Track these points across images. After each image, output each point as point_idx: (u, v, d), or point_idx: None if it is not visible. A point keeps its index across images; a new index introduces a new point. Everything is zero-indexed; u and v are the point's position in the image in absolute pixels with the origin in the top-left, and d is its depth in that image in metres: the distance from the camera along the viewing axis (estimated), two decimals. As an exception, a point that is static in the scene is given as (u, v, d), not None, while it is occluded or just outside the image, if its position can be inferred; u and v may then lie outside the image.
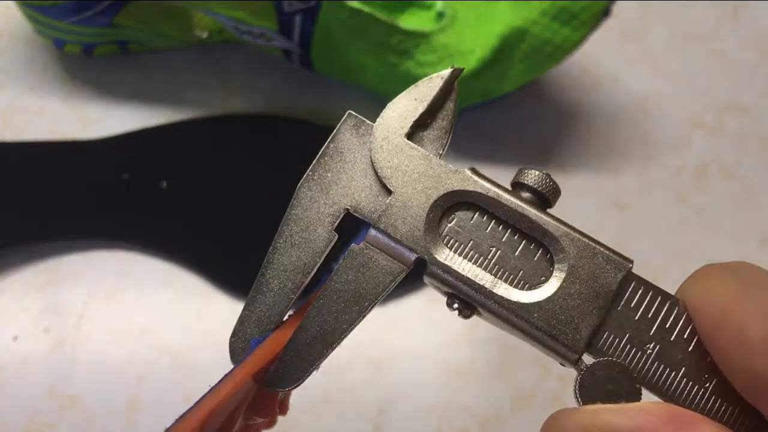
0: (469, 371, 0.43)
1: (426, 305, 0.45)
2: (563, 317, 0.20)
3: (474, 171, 0.22)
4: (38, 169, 0.46)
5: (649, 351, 0.20)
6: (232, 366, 0.22)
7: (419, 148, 0.22)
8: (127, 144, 0.47)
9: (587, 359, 0.20)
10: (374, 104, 0.50)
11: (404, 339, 0.44)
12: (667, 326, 0.20)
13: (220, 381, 0.20)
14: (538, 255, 0.21)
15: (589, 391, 0.20)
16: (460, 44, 0.45)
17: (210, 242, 0.46)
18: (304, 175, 0.22)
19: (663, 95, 0.52)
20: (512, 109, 0.50)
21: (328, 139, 0.22)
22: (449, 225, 0.21)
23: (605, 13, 0.44)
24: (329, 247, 0.22)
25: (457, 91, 0.23)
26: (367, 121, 0.22)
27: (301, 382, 0.21)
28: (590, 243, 0.21)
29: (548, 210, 0.22)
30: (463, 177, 0.21)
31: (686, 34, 0.55)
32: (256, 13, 0.44)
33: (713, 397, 0.20)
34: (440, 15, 0.46)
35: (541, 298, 0.20)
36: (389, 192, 0.21)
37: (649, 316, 0.20)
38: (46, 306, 0.44)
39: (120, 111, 0.49)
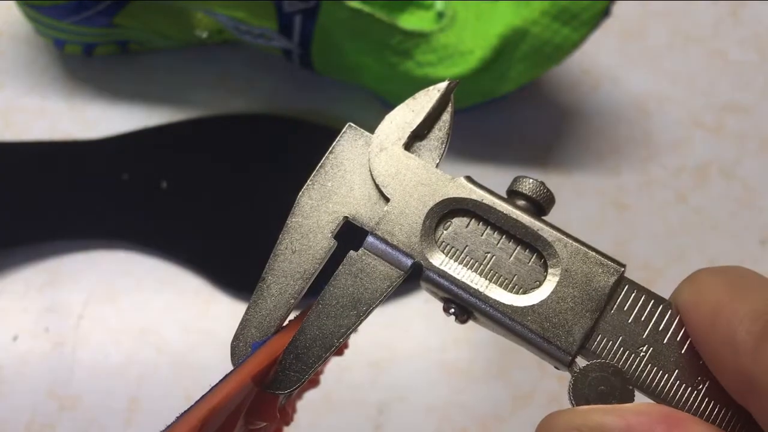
0: (469, 371, 0.43)
1: (426, 305, 0.45)
2: (557, 320, 0.21)
3: (469, 179, 0.22)
4: (38, 169, 0.46)
5: (642, 353, 0.20)
6: (232, 366, 0.22)
7: (416, 157, 0.22)
8: (127, 144, 0.47)
9: (581, 362, 0.21)
10: (374, 104, 0.50)
11: (404, 339, 0.44)
12: (660, 329, 0.21)
13: (219, 382, 0.20)
14: (532, 260, 0.22)
15: (582, 392, 0.20)
16: (460, 44, 0.45)
17: (210, 242, 0.46)
18: (305, 185, 0.23)
19: (663, 95, 0.52)
20: (512, 109, 0.50)
21: (329, 150, 0.23)
22: (445, 231, 0.22)
23: (605, 13, 0.44)
24: (329, 254, 0.22)
25: (453, 102, 0.24)
26: (366, 133, 0.23)
27: (300, 385, 0.21)
28: (583, 248, 0.21)
29: (543, 217, 0.22)
30: (458, 185, 0.22)
31: (686, 34, 0.55)
32: (256, 13, 0.44)
33: (705, 399, 0.20)
34: (440, 15, 0.46)
35: (535, 302, 0.21)
36: (387, 200, 0.22)
37: (642, 319, 0.21)
38: (46, 306, 0.44)
39: (120, 111, 0.49)
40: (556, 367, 0.22)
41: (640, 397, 0.20)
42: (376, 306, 0.22)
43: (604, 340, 0.21)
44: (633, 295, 0.21)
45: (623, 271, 0.21)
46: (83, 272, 0.45)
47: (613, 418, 0.18)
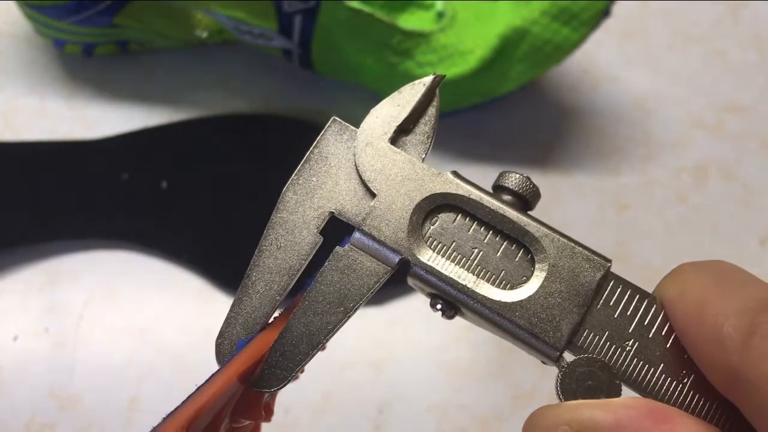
0: (469, 371, 0.43)
1: (426, 305, 0.45)
2: (544, 315, 0.21)
3: (456, 174, 0.22)
4: (38, 169, 0.46)
5: (628, 348, 0.20)
6: (217, 365, 0.22)
7: (402, 152, 0.22)
8: (127, 144, 0.47)
9: (568, 357, 0.21)
10: (374, 104, 0.50)
11: (404, 339, 0.44)
12: (645, 323, 0.21)
13: (206, 381, 0.20)
14: (519, 255, 0.21)
15: (570, 387, 0.20)
16: (460, 44, 0.45)
17: (210, 242, 0.46)
18: (290, 180, 0.22)
19: (663, 95, 0.52)
20: (512, 109, 0.50)
21: (313, 145, 0.23)
22: (432, 227, 0.22)
23: (605, 13, 0.44)
24: (314, 250, 0.22)
25: (439, 97, 0.23)
26: (351, 127, 0.23)
27: (287, 383, 0.21)
28: (570, 243, 0.21)
29: (529, 212, 0.22)
30: (445, 180, 0.22)
31: (686, 34, 0.55)
32: (256, 13, 0.44)
33: (691, 393, 0.20)
34: (440, 15, 0.46)
35: (522, 297, 0.21)
36: (373, 195, 0.22)
37: (628, 313, 0.21)
38: (46, 306, 0.44)
39: (120, 111, 0.49)
40: (543, 362, 0.22)
41: (626, 392, 0.20)
42: (363, 302, 0.21)
43: (591, 335, 0.21)
44: (619, 289, 0.21)
45: (609, 266, 0.21)
46: (83, 272, 0.45)
47: (602, 412, 0.18)
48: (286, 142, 0.48)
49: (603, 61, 0.53)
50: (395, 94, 0.23)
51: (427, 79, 0.23)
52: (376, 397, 0.42)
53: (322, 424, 0.42)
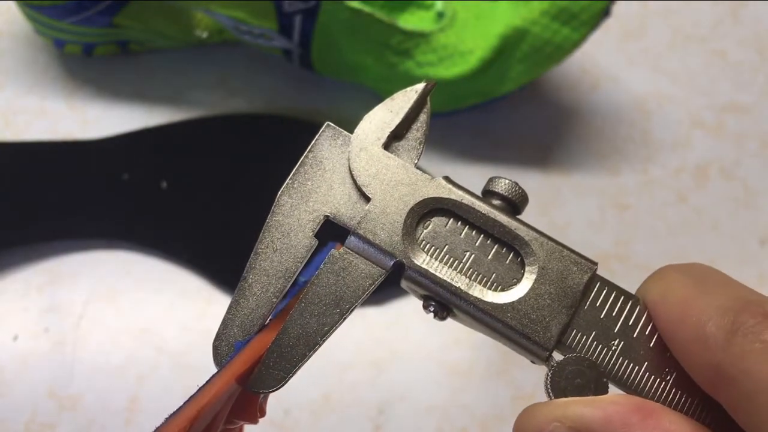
0: (469, 371, 0.43)
1: (426, 305, 0.45)
2: (534, 316, 0.21)
3: (447, 179, 0.23)
4: (38, 169, 0.46)
5: (614, 347, 0.21)
6: (215, 367, 0.22)
7: (396, 157, 0.23)
8: (127, 144, 0.47)
9: (556, 356, 0.22)
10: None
11: (404, 339, 0.44)
12: (630, 324, 0.21)
13: (206, 383, 0.21)
14: (509, 258, 0.22)
15: (560, 385, 0.21)
16: (460, 44, 0.45)
17: (210, 242, 0.46)
18: (284, 184, 0.23)
19: (663, 95, 0.52)
20: (512, 109, 0.50)
21: (307, 149, 0.23)
22: (425, 231, 0.22)
23: (605, 13, 0.44)
24: (309, 253, 0.22)
25: (430, 104, 0.24)
26: (345, 132, 0.23)
27: (284, 384, 0.22)
28: (558, 246, 0.22)
29: (518, 216, 0.23)
30: (437, 185, 0.22)
31: (686, 34, 0.55)
32: (256, 13, 0.44)
33: (674, 390, 0.21)
34: (440, 15, 0.46)
35: (513, 299, 0.22)
36: (367, 199, 0.22)
37: (613, 314, 0.22)
38: (46, 306, 0.44)
39: (120, 111, 0.49)
40: (532, 362, 0.22)
41: (612, 389, 0.21)
42: (359, 304, 0.22)
43: (579, 335, 0.21)
44: (605, 291, 0.22)
45: (596, 269, 0.22)
46: (83, 272, 0.45)
47: (592, 409, 0.19)
48: (286, 142, 0.48)
49: (603, 61, 0.53)
50: (388, 101, 0.23)
51: (419, 86, 0.23)
52: (376, 397, 0.42)
53: (322, 424, 0.42)
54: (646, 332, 0.21)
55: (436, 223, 0.22)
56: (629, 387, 0.21)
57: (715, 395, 0.19)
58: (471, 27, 0.45)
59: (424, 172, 0.23)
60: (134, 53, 0.51)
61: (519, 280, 0.22)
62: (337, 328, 0.22)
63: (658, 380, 0.21)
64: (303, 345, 0.22)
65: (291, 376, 0.22)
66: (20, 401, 0.41)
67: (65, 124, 0.49)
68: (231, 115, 0.49)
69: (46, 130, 0.48)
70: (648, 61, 0.54)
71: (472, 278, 0.22)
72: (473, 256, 0.22)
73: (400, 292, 0.45)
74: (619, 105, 0.52)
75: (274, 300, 0.22)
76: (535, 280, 0.22)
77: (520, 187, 0.23)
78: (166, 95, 0.50)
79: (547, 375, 0.21)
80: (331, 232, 0.23)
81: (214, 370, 0.25)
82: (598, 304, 0.22)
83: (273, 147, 0.48)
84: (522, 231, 0.22)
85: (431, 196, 0.22)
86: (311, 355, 0.22)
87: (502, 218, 0.22)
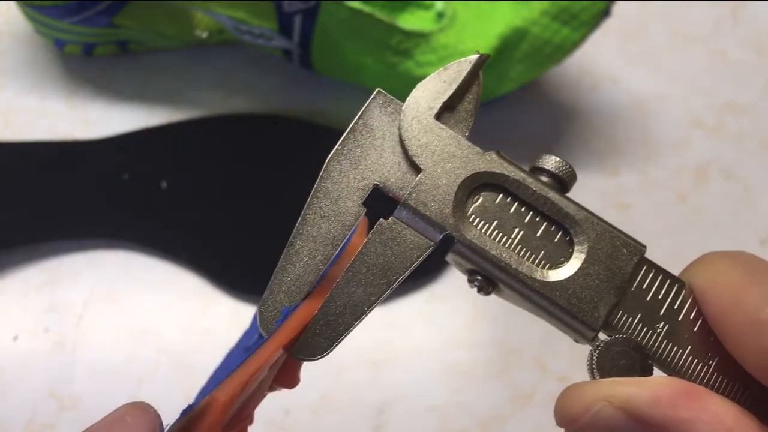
0: (469, 371, 0.43)
1: (426, 305, 0.45)
2: (583, 296, 0.21)
3: (499, 154, 0.23)
4: (38, 169, 0.46)
5: (659, 330, 0.21)
6: (262, 333, 0.22)
7: (447, 128, 0.22)
8: (127, 144, 0.47)
9: (601, 336, 0.22)
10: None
11: (404, 339, 0.44)
12: (675, 307, 0.22)
13: (256, 349, 0.21)
14: (558, 236, 0.22)
15: (606, 365, 0.21)
16: (459, 44, 0.45)
17: (210, 242, 0.46)
18: (334, 149, 0.22)
19: (663, 95, 0.52)
20: (512, 109, 0.50)
21: (357, 115, 0.23)
22: (475, 204, 0.22)
23: (605, 13, 0.44)
24: (358, 221, 0.22)
25: (481, 76, 0.23)
26: (396, 100, 0.23)
27: (330, 352, 0.22)
28: (608, 227, 0.22)
29: (566, 194, 0.23)
30: (489, 159, 0.22)
31: (686, 34, 0.55)
32: (256, 13, 0.44)
33: (716, 374, 0.21)
34: (440, 15, 0.46)
35: (562, 278, 0.22)
36: (418, 170, 0.22)
37: (660, 297, 0.22)
38: (46, 306, 0.44)
39: (120, 111, 0.49)
40: (575, 340, 0.22)
41: (656, 371, 0.21)
42: (406, 275, 0.22)
43: (625, 316, 0.22)
44: (651, 274, 0.22)
45: (644, 251, 0.22)
46: (83, 272, 0.45)
47: (640, 389, 0.20)
48: (286, 142, 0.48)
49: (603, 61, 0.53)
50: (441, 70, 0.23)
51: (473, 57, 0.23)
52: (376, 398, 0.42)
53: (322, 424, 0.42)
54: (691, 316, 0.22)
55: (485, 197, 0.22)
56: (673, 369, 0.21)
57: (765, 379, 0.20)
58: (471, 27, 0.45)
59: (475, 145, 0.22)
60: (134, 53, 0.51)
61: (567, 259, 0.22)
62: (383, 298, 0.22)
63: (701, 364, 0.21)
64: (349, 314, 0.22)
65: (337, 345, 0.22)
66: (20, 401, 0.41)
67: (65, 124, 0.49)
68: (231, 115, 0.49)
69: (46, 130, 0.48)
70: (648, 61, 0.54)
71: (521, 255, 0.22)
72: (522, 232, 0.22)
73: (400, 293, 0.45)
74: (619, 105, 0.52)
75: (321, 267, 0.22)
76: (585, 259, 0.22)
77: (569, 165, 0.23)
78: (166, 95, 0.50)
79: (592, 355, 0.21)
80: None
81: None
82: (645, 287, 0.22)
83: (273, 147, 0.48)
84: (572, 209, 0.22)
85: (482, 170, 0.22)
86: (357, 325, 0.22)
87: (553, 195, 0.22)
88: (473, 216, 0.22)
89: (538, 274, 0.22)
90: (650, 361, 0.21)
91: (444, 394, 0.43)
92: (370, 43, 0.45)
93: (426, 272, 0.45)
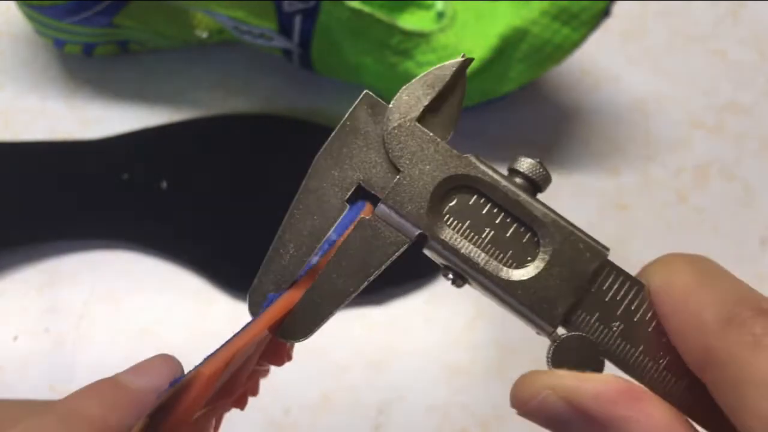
0: (469, 371, 0.43)
1: (426, 305, 0.45)
2: (543, 295, 0.23)
3: (477, 157, 0.24)
4: (38, 169, 0.46)
5: (614, 329, 0.23)
6: (250, 316, 0.24)
7: (428, 132, 0.24)
8: (127, 144, 0.47)
9: (560, 331, 0.23)
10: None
11: (404, 339, 0.44)
12: (633, 308, 0.23)
13: (241, 329, 0.22)
14: (526, 238, 0.23)
15: (560, 358, 0.23)
16: (459, 44, 0.45)
17: (210, 242, 0.46)
18: (322, 148, 0.24)
19: (663, 95, 0.52)
20: (512, 109, 0.50)
21: (345, 116, 0.24)
22: (450, 205, 0.23)
23: (605, 13, 0.44)
24: (341, 216, 0.24)
25: (465, 79, 0.24)
26: (382, 102, 0.24)
27: (310, 335, 0.23)
28: (574, 231, 0.23)
29: (538, 195, 0.24)
30: (466, 162, 0.23)
31: (686, 34, 0.55)
32: (256, 13, 0.44)
33: (665, 372, 0.22)
34: (440, 15, 0.46)
35: (525, 277, 0.23)
36: (398, 171, 0.23)
37: (618, 298, 0.23)
38: (46, 306, 0.44)
39: (120, 111, 0.49)
40: (537, 333, 0.24)
41: (610, 368, 0.23)
42: (383, 269, 0.23)
43: (584, 315, 0.23)
44: (612, 276, 0.23)
45: (607, 254, 0.23)
46: (83, 272, 0.45)
47: (584, 383, 0.21)
48: (286, 142, 0.48)
49: (603, 61, 0.53)
50: (425, 74, 0.24)
51: (456, 62, 0.24)
52: (376, 398, 0.42)
53: (322, 424, 0.42)
54: (647, 317, 0.23)
55: (460, 198, 0.23)
56: (625, 366, 0.23)
57: (702, 376, 0.21)
58: (471, 27, 0.45)
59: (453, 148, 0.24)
60: (134, 53, 0.51)
61: (533, 260, 0.23)
62: (361, 289, 0.23)
63: (652, 362, 0.23)
64: (330, 302, 0.23)
65: (317, 329, 0.23)
66: (20, 401, 0.41)
67: (65, 124, 0.49)
68: (231, 115, 0.49)
69: (46, 130, 0.48)
70: (648, 61, 0.54)
71: (490, 254, 0.23)
72: (493, 233, 0.23)
73: (400, 293, 0.45)
74: (619, 105, 0.52)
75: (305, 259, 0.24)
76: (548, 260, 0.23)
77: (543, 167, 0.24)
78: (166, 95, 0.50)
79: (550, 348, 0.23)
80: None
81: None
82: (605, 288, 0.23)
83: (273, 147, 0.48)
84: (540, 212, 0.23)
85: (459, 172, 0.23)
86: (335, 313, 0.23)
87: (523, 198, 0.23)
88: (447, 216, 0.23)
89: (503, 273, 0.23)
90: (602, 358, 0.22)
91: (444, 394, 0.43)
92: (370, 43, 0.45)
93: (426, 272, 0.45)
